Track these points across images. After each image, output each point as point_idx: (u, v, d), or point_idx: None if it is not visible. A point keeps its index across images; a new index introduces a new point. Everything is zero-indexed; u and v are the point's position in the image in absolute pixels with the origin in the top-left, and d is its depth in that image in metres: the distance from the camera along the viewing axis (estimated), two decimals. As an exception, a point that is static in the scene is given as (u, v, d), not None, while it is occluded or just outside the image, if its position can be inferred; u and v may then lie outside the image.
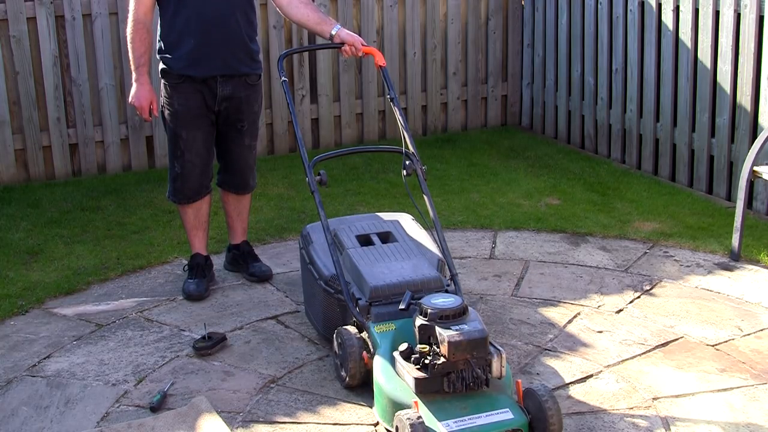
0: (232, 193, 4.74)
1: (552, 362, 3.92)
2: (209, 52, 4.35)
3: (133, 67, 4.40)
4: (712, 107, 5.93)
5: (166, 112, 4.49)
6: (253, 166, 4.71)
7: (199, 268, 4.66)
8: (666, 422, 3.47)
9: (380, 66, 4.26)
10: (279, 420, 3.52)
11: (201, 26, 4.32)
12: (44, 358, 4.03)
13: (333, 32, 4.32)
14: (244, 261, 4.83)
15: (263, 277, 4.75)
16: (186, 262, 4.78)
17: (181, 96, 4.42)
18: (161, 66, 4.45)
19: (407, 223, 4.26)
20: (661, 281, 4.69)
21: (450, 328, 3.25)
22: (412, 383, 3.26)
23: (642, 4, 6.36)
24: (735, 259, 4.90)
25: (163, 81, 4.48)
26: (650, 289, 4.61)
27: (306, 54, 6.92)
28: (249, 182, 4.73)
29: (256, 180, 4.79)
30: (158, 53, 4.46)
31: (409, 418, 3.09)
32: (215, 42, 4.35)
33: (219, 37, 4.35)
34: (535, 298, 4.53)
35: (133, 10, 4.36)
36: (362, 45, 4.31)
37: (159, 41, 4.44)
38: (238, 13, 4.37)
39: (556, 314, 4.36)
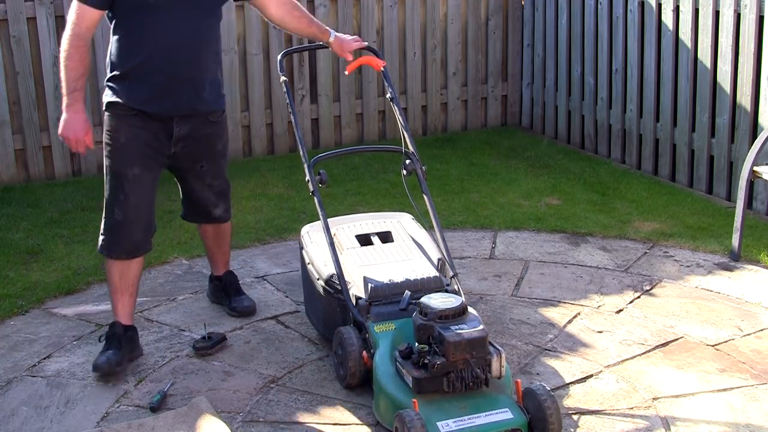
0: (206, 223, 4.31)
1: (552, 362, 3.91)
2: (174, 88, 3.80)
3: (65, 92, 3.72)
4: (712, 107, 5.93)
5: (108, 149, 3.83)
6: (218, 201, 4.19)
7: (115, 338, 3.90)
8: (666, 422, 3.47)
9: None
10: (279, 420, 3.52)
11: (166, 58, 3.76)
12: (44, 358, 4.03)
13: (330, 40, 4.18)
14: (226, 294, 4.42)
15: (245, 312, 4.34)
16: (186, 262, 4.75)
17: (130, 128, 3.80)
18: (110, 97, 3.82)
19: (407, 223, 4.26)
20: (661, 281, 4.69)
21: (450, 328, 3.25)
22: (411, 383, 3.27)
23: (642, 4, 6.36)
24: (735, 259, 4.90)
25: (107, 112, 3.85)
26: (650, 289, 4.61)
27: (306, 54, 6.92)
28: (213, 214, 4.22)
29: (230, 211, 4.28)
30: (108, 81, 3.84)
31: (409, 419, 3.09)
32: (180, 78, 3.81)
33: (185, 73, 3.81)
34: (535, 298, 4.53)
35: (73, 23, 3.69)
36: (350, 56, 4.17)
37: (111, 67, 3.82)
38: (206, 45, 3.87)
39: (556, 314, 4.36)
